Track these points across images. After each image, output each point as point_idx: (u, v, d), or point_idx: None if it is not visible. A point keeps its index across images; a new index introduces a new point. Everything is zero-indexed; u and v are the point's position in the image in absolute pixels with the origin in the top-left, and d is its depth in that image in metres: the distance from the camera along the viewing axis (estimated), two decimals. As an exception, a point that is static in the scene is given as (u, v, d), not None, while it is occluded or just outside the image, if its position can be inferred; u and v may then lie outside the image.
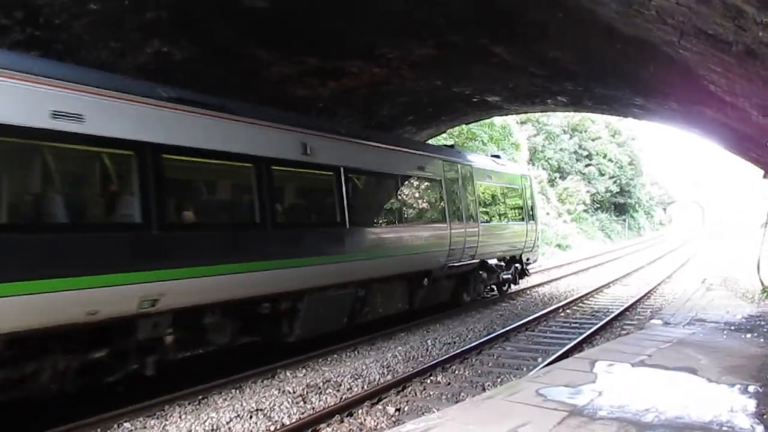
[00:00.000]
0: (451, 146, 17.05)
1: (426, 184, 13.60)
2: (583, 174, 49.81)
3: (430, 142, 19.36)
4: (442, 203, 13.87)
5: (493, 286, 17.79)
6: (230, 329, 8.86)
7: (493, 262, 16.44)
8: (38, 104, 6.24)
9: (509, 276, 17.67)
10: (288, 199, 10.41)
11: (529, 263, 19.17)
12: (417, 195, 13.46)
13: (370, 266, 11.13)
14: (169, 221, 7.71)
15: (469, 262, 14.93)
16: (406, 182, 12.88)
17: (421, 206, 13.57)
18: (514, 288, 18.62)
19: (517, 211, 18.40)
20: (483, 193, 16.29)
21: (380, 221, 12.09)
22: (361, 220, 11.16)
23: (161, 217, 7.44)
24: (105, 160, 7.31)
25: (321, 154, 10.11)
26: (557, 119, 46.20)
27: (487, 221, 15.99)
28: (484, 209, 16.17)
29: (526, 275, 19.32)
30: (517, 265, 18.15)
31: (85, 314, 6.59)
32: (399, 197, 12.56)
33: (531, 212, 19.12)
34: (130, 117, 7.15)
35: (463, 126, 25.06)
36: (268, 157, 9.08)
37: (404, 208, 12.73)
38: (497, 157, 18.88)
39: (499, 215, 17.34)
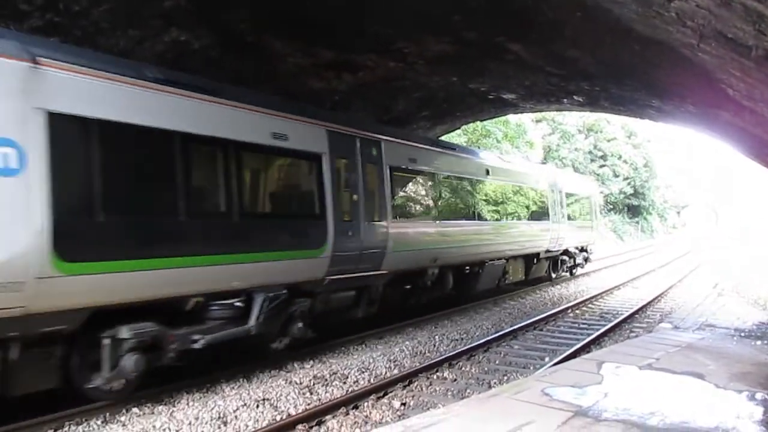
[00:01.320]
0: (544, 162, 25.60)
1: (540, 193, 20.14)
2: (598, 174, 49.44)
3: (444, 138, 19.46)
4: (547, 207, 20.35)
5: (567, 269, 23.54)
6: (452, 281, 14.38)
7: (572, 250, 23.01)
8: (405, 155, 12.47)
9: (581, 261, 24.49)
10: (481, 201, 16.07)
11: (592, 252, 26.01)
12: (536, 201, 19.76)
13: (513, 246, 17.40)
14: (442, 215, 13.89)
15: (559, 248, 21.32)
16: (531, 193, 19.49)
17: (538, 208, 19.82)
18: (563, 276, 23.69)
19: (587, 212, 25.49)
20: (568, 199, 22.66)
21: (517, 217, 18.11)
22: (510, 215, 17.62)
23: (440, 213, 13.85)
24: (428, 183, 13.76)
25: (496, 174, 16.71)
26: (572, 119, 45.85)
27: (570, 220, 22.37)
28: (569, 212, 22.56)
29: (590, 261, 25.82)
30: (585, 253, 24.82)
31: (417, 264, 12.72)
32: (527, 202, 18.93)
33: (596, 214, 26.73)
34: (432, 158, 13.58)
35: (478, 123, 24.98)
36: (474, 178, 15.60)
37: (529, 209, 19.08)
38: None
39: (577, 216, 23.94)
